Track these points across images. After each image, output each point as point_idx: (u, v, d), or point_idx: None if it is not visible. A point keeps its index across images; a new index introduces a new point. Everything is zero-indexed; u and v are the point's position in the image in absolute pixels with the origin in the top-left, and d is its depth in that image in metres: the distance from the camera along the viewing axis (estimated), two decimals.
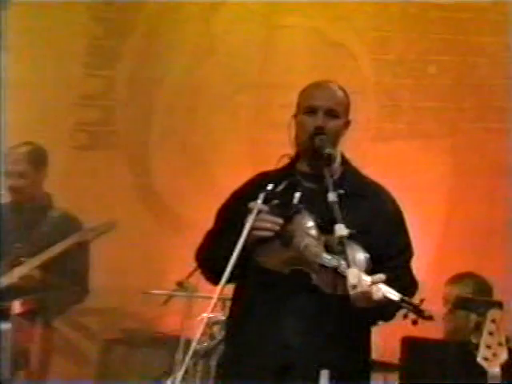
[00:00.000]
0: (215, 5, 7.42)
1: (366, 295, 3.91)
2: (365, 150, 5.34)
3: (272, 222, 4.12)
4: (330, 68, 6.23)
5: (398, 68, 6.94)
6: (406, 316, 3.95)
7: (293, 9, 7.30)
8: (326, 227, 4.15)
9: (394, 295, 3.96)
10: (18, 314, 6.13)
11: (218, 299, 4.28)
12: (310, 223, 4.23)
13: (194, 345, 4.14)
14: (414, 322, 3.95)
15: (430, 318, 3.99)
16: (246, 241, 4.05)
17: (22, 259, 6.28)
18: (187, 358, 4.15)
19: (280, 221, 4.14)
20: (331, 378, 4.00)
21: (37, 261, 6.26)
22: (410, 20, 7.12)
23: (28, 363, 6.17)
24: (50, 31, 7.54)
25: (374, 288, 3.91)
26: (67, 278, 6.40)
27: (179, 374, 4.21)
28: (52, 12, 7.67)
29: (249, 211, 4.14)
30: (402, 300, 3.97)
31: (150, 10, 7.62)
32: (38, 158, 6.60)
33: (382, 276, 3.91)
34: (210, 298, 4.32)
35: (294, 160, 4.46)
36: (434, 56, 7.04)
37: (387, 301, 3.98)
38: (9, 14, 7.40)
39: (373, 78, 6.80)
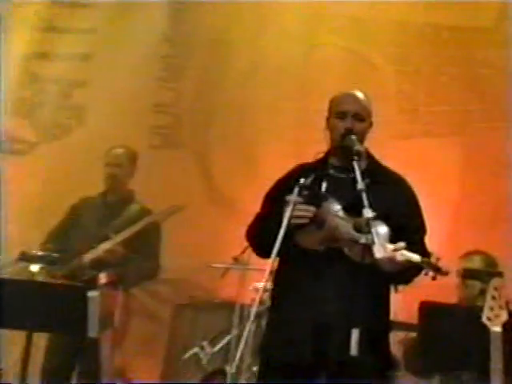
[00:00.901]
0: (262, 28, 7.32)
1: (391, 259, 3.99)
2: (387, 147, 5.25)
3: (306, 211, 4.16)
4: (357, 78, 6.18)
5: (416, 78, 6.87)
6: (426, 273, 4.02)
7: (326, 29, 7.20)
8: (352, 210, 4.19)
9: (415, 257, 4.02)
10: (104, 284, 6.05)
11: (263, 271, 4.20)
12: (338, 207, 4.28)
13: (254, 309, 4.12)
14: (434, 278, 4.02)
15: (446, 273, 4.08)
16: (287, 227, 4.08)
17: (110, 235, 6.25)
18: (250, 319, 4.15)
19: (312, 208, 4.18)
20: (360, 337, 4.03)
21: (118, 238, 6.18)
22: (426, 38, 7.01)
23: (112, 324, 6.11)
24: (131, 50, 7.45)
25: (398, 253, 3.96)
26: (143, 255, 6.35)
27: (245, 333, 4.06)
28: (132, 37, 7.54)
29: (286, 203, 4.16)
30: (422, 260, 4.02)
31: (208, 35, 7.51)
32: (132, 156, 6.56)
33: (402, 244, 4.00)
34: (260, 270, 4.58)
35: (327, 155, 4.48)
36: (446, 68, 6.93)
37: (409, 263, 4.03)
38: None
39: (394, 87, 6.70)
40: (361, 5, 7.20)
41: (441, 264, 4.06)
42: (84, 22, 7.63)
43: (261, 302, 5.21)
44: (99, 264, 6.18)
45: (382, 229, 4.13)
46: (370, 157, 4.52)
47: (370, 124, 4.45)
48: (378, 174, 4.47)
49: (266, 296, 5.47)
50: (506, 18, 7.04)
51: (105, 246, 6.21)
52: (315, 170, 4.41)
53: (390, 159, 4.77)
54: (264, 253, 4.34)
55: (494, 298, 4.70)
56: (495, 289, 4.76)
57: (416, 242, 4.26)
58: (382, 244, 4.05)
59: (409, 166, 5.10)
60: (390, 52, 6.95)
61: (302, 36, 7.22)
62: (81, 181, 6.62)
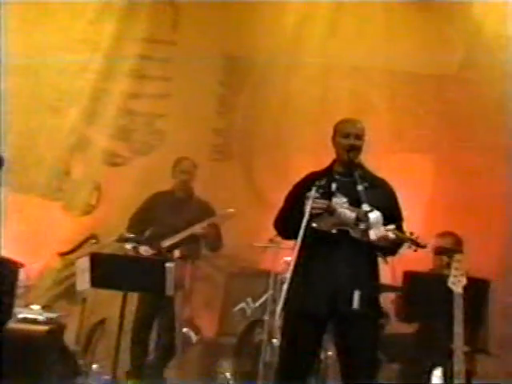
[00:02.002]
0: (292, 74, 7.25)
1: (385, 237, 4.15)
2: (380, 159, 5.22)
3: (322, 203, 4.22)
4: (359, 110, 6.03)
5: (401, 110, 6.74)
6: (410, 247, 4.24)
7: (336, 74, 7.14)
8: (353, 203, 4.31)
9: (401, 235, 4.23)
10: (177, 258, 6.11)
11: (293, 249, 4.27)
12: (344, 200, 4.34)
13: (288, 276, 4.16)
14: (415, 250, 4.24)
15: (424, 246, 4.32)
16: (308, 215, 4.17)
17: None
18: (285, 287, 4.14)
19: (326, 202, 4.24)
20: (361, 296, 4.18)
21: (189, 231, 6.18)
22: (409, 82, 6.91)
23: (183, 286, 6.17)
24: (196, 91, 7.44)
25: (389, 233, 4.14)
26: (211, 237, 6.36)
27: (282, 296, 4.12)
28: (196, 82, 7.46)
29: (307, 198, 4.23)
30: (408, 237, 4.23)
31: (251, 79, 7.48)
32: (194, 165, 6.47)
33: (392, 226, 4.18)
34: (288, 248, 4.69)
35: (332, 164, 4.55)
36: (424, 103, 6.84)
37: (397, 240, 4.22)
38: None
39: (385, 116, 6.61)
40: (361, 56, 7.06)
41: (419, 240, 4.22)
42: (163, 72, 7.58)
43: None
44: (175, 246, 6.22)
45: (376, 217, 4.18)
46: (363, 166, 4.55)
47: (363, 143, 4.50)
48: (370, 178, 4.50)
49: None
50: (469, 65, 6.87)
51: (180, 235, 6.21)
52: (324, 175, 4.48)
53: (382, 168, 4.86)
54: (288, 235, 4.54)
55: (456, 268, 4.80)
56: (457, 261, 4.85)
57: (398, 226, 4.32)
58: (375, 229, 4.16)
59: (396, 174, 5.10)
60: (383, 92, 6.83)
61: (319, 80, 7.12)
62: (162, 185, 6.56)
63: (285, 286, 4.24)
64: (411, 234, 4.30)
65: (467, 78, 6.75)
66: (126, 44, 7.64)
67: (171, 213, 6.34)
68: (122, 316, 5.83)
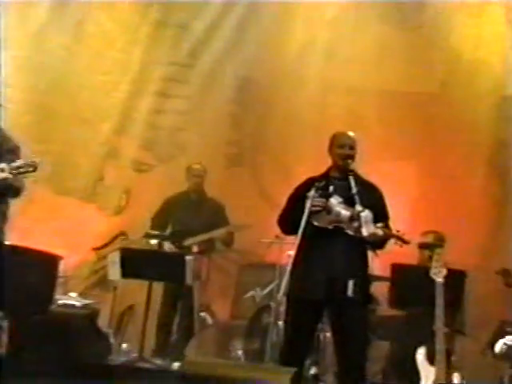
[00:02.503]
0: (293, 96, 7.21)
1: (375, 234, 4.18)
2: (370, 166, 5.02)
3: (320, 202, 4.23)
4: (353, 124, 5.86)
5: (388, 124, 6.66)
6: (396, 242, 4.29)
7: (333, 93, 7.10)
8: (347, 204, 4.30)
9: (389, 232, 4.26)
10: (196, 252, 6.08)
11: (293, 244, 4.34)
12: (340, 200, 4.32)
13: (288, 267, 4.22)
14: (400, 246, 4.31)
15: (408, 242, 4.35)
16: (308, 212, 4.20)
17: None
18: (286, 276, 4.19)
19: (324, 200, 4.25)
20: (354, 284, 4.22)
21: (207, 235, 6.18)
22: (396, 100, 6.84)
23: (200, 277, 6.15)
24: (212, 109, 7.47)
25: (378, 230, 4.18)
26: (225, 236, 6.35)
27: (283, 283, 4.23)
28: (214, 100, 7.50)
29: (307, 197, 4.24)
30: (394, 234, 4.27)
31: (259, 98, 7.46)
32: (204, 171, 6.42)
33: (380, 224, 4.22)
34: (291, 243, 4.51)
35: (328, 170, 4.55)
36: (407, 118, 6.77)
37: (385, 236, 4.25)
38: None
39: (375, 129, 6.55)
40: (354, 77, 7.02)
41: (404, 237, 4.27)
42: (183, 92, 7.60)
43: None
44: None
45: (367, 216, 4.19)
46: (355, 172, 4.53)
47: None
48: (362, 183, 4.50)
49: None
50: (449, 84, 6.85)
51: (200, 237, 6.16)
52: (322, 179, 4.46)
53: (373, 174, 4.81)
54: (289, 232, 4.55)
55: (437, 260, 4.82)
56: (438, 254, 4.89)
57: (385, 224, 4.35)
58: (367, 226, 4.17)
59: (385, 179, 5.08)
60: (373, 108, 6.78)
61: (318, 98, 7.07)
62: (181, 189, 6.55)
63: (286, 276, 4.27)
64: (397, 231, 4.29)
65: (447, 96, 6.73)
66: (152, 67, 7.65)
67: (187, 212, 6.30)
68: (147, 302, 5.91)
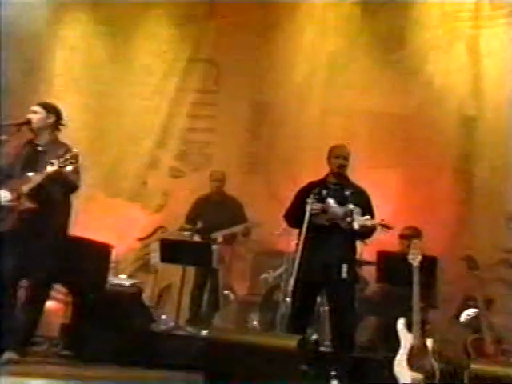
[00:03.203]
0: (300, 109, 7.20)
1: (364, 225, 4.22)
2: (360, 173, 4.97)
3: (318, 206, 4.30)
4: (346, 138, 5.84)
5: (377, 140, 6.63)
6: (382, 229, 4.33)
7: (331, 113, 7.05)
8: (341, 203, 4.34)
9: (375, 222, 4.30)
10: (220, 242, 6.10)
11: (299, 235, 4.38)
12: (334, 202, 4.36)
13: (298, 257, 4.29)
14: (386, 232, 4.37)
15: (391, 227, 4.40)
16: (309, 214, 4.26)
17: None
18: (296, 264, 4.27)
19: (321, 205, 4.32)
20: (346, 268, 4.33)
21: (229, 231, 6.14)
22: (383, 121, 6.78)
23: (224, 261, 6.21)
24: (233, 128, 7.48)
25: (367, 222, 4.23)
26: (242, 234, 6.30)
27: (294, 271, 4.27)
28: (234, 121, 7.52)
29: (307, 203, 4.28)
30: (379, 223, 4.29)
31: (272, 114, 7.42)
32: (223, 176, 6.43)
33: (368, 217, 4.25)
34: (295, 234, 4.59)
35: (326, 176, 4.59)
36: (389, 133, 6.71)
37: (371, 226, 4.27)
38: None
39: (366, 143, 6.49)
40: (348, 100, 6.98)
41: (387, 224, 4.35)
42: (210, 113, 7.63)
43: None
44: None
45: (358, 213, 4.27)
46: (348, 178, 4.62)
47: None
48: (353, 186, 4.57)
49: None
50: (424, 107, 6.74)
51: (224, 232, 6.13)
52: (320, 183, 4.54)
53: (363, 179, 4.83)
54: (293, 226, 4.60)
55: (414, 248, 4.71)
56: (415, 244, 4.78)
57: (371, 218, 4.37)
58: (357, 221, 4.24)
59: (372, 184, 5.02)
60: (363, 126, 6.74)
61: (319, 118, 7.04)
62: (207, 191, 6.53)
63: (296, 263, 4.33)
64: (381, 220, 4.35)
65: (422, 116, 6.66)
66: (185, 93, 7.71)
67: (212, 210, 6.26)
68: (182, 282, 5.91)
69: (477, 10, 6.67)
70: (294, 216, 4.51)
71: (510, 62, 6.45)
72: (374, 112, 6.82)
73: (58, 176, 4.27)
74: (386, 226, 4.39)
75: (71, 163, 4.27)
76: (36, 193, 4.26)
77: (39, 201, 4.28)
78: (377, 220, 4.45)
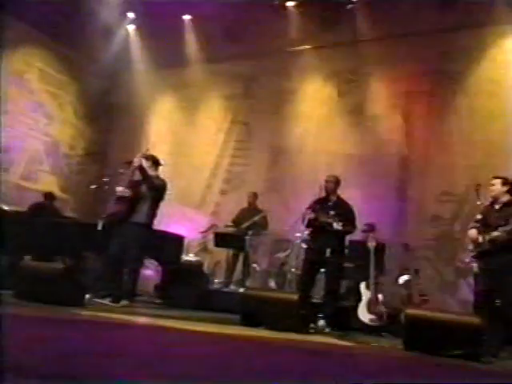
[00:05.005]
0: (301, 152, 7.05)
1: (345, 229, 4.06)
2: (343, 191, 4.56)
3: (312, 216, 4.17)
4: (331, 170, 5.47)
5: (349, 170, 6.15)
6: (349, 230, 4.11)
7: (319, 153, 6.86)
8: (333, 212, 4.14)
9: (343, 227, 4.07)
10: (250, 234, 5.79)
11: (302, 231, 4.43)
12: (321, 212, 4.19)
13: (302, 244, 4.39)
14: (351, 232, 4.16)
15: (349, 232, 4.20)
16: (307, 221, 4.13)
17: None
18: (305, 247, 4.23)
19: (313, 215, 4.16)
20: (330, 251, 4.14)
21: (251, 220, 5.70)
22: (353, 158, 6.56)
23: (252, 246, 5.85)
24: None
25: (339, 226, 4.06)
26: (263, 223, 5.88)
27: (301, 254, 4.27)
28: (257, 157, 7.34)
29: (305, 216, 4.18)
30: (342, 228, 4.08)
31: (283, 159, 7.23)
32: (255, 195, 6.14)
33: (340, 223, 4.06)
34: (298, 230, 4.70)
35: (326, 195, 4.36)
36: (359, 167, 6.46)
37: (343, 229, 4.06)
38: None
39: (342, 172, 5.83)
40: (332, 146, 6.75)
41: (348, 229, 4.15)
42: (245, 153, 7.54)
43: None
44: (248, 228, 5.71)
45: (336, 220, 4.12)
46: (337, 195, 4.40)
47: (339, 183, 4.37)
48: (340, 201, 4.37)
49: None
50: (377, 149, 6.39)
51: (249, 221, 5.75)
52: (321, 200, 4.33)
53: (343, 195, 4.54)
54: (306, 227, 4.33)
55: (372, 237, 4.63)
56: (371, 235, 4.75)
57: (353, 224, 4.27)
58: (337, 225, 4.11)
59: (349, 198, 4.60)
60: (341, 164, 6.42)
61: (312, 157, 6.87)
62: (245, 204, 6.29)
63: (302, 248, 4.32)
64: (343, 225, 4.13)
65: (376, 155, 6.43)
66: (228, 143, 7.67)
67: (246, 216, 6.01)
68: (227, 259, 5.99)
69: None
70: (303, 221, 4.34)
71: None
72: (345, 153, 6.74)
73: (145, 177, 4.22)
74: (345, 231, 4.25)
75: (156, 168, 4.31)
76: (133, 195, 4.22)
77: (134, 201, 4.24)
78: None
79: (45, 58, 7.25)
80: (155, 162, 4.49)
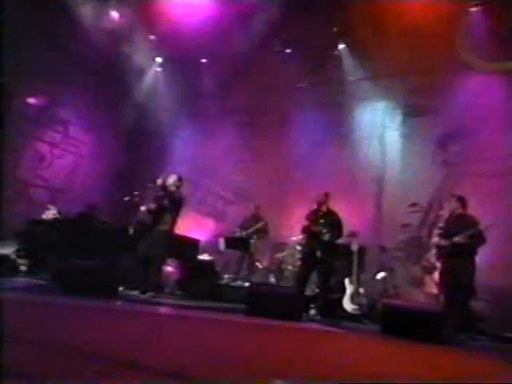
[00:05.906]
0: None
1: (330, 239, 3.99)
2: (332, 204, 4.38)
3: (307, 224, 4.10)
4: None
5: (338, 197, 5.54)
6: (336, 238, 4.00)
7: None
8: (323, 223, 4.08)
9: (329, 236, 4.01)
10: (254, 238, 5.70)
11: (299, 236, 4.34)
12: (318, 222, 4.10)
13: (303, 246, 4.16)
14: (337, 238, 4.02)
15: (332, 240, 4.08)
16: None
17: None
18: (302, 249, 4.03)
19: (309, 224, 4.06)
20: (321, 252, 4.04)
21: (254, 228, 5.63)
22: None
23: (256, 247, 5.79)
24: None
25: (327, 236, 3.98)
26: (265, 229, 5.72)
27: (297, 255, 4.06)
28: (262, 174, 7.07)
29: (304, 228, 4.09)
30: (330, 238, 4.01)
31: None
32: (258, 207, 5.87)
33: (329, 234, 4.01)
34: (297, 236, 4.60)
35: (317, 207, 4.27)
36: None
37: (335, 237, 4.02)
38: None
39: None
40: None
41: (333, 238, 4.06)
42: (251, 174, 7.23)
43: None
44: (251, 234, 5.74)
45: (325, 229, 4.06)
46: (328, 207, 4.30)
47: (328, 197, 4.28)
48: (330, 212, 4.28)
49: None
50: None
51: (252, 229, 5.66)
52: (315, 211, 4.25)
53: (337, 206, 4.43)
54: (302, 231, 4.26)
55: (354, 242, 4.61)
56: (353, 238, 4.66)
57: (339, 233, 4.21)
58: (326, 234, 4.04)
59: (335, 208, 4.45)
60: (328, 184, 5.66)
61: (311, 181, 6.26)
62: (249, 212, 6.14)
63: (302, 250, 4.20)
64: (331, 234, 4.06)
65: (356, 176, 6.25)
66: (237, 164, 7.38)
67: (252, 224, 5.90)
68: (236, 258, 5.94)
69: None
70: (303, 229, 4.28)
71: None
72: (336, 173, 6.47)
73: (166, 191, 4.22)
74: (334, 240, 4.17)
75: (176, 187, 4.30)
76: (157, 207, 4.17)
77: (159, 212, 4.15)
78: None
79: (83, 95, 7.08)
80: (176, 180, 4.46)
